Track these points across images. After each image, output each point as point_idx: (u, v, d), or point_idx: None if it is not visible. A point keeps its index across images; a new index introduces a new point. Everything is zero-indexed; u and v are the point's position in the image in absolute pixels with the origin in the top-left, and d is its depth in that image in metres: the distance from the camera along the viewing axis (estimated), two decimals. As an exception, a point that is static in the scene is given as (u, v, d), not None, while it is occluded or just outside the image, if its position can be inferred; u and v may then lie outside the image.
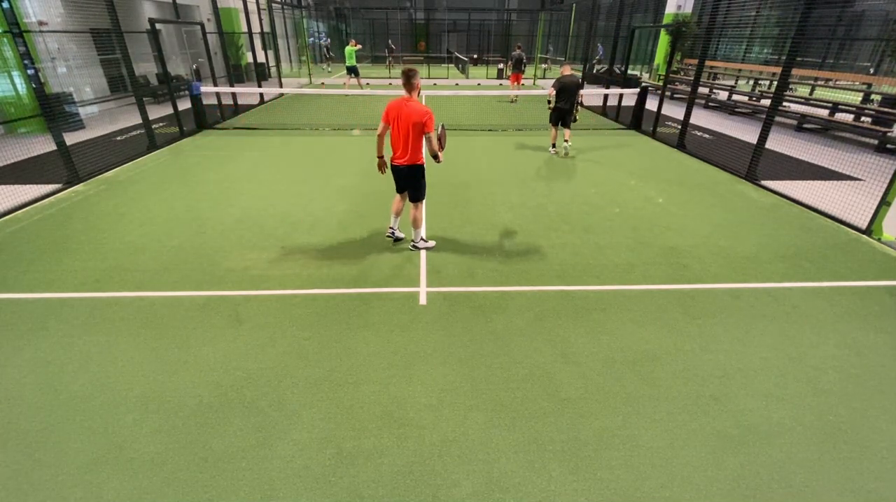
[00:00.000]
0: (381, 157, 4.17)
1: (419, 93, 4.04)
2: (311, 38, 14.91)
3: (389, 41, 25.72)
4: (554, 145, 7.96)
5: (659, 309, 3.57)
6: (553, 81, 7.56)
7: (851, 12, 16.33)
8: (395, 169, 4.14)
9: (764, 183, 6.45)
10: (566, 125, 7.63)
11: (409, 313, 3.48)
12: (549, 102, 7.63)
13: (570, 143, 7.82)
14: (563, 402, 2.66)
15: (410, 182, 4.15)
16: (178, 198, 5.83)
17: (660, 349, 3.11)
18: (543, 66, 23.26)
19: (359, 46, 15.08)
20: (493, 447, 2.37)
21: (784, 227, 5.09)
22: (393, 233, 4.59)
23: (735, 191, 6.25)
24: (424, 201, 4.33)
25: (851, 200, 5.39)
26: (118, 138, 8.88)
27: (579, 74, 7.75)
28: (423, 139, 3.95)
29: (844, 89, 11.52)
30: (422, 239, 4.42)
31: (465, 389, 2.75)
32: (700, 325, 3.37)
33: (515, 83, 13.70)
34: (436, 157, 4.02)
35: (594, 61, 19.97)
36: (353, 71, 14.73)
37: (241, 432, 2.44)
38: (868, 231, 4.87)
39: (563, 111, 7.46)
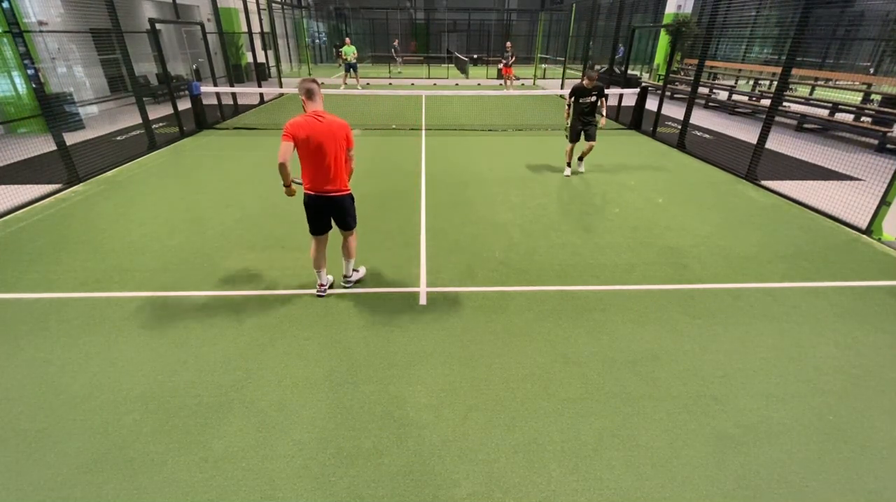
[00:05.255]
0: (291, 184, 3.28)
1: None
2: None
3: (396, 42, 25.10)
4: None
5: (659, 309, 3.57)
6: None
7: (851, 12, 16.32)
8: (317, 200, 3.28)
9: (764, 183, 6.45)
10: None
11: (409, 313, 3.48)
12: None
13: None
14: (563, 402, 2.66)
15: (341, 212, 3.41)
16: (178, 198, 5.83)
17: (660, 349, 3.11)
18: (544, 66, 23.27)
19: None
20: (493, 447, 2.37)
21: (784, 227, 5.09)
22: (324, 290, 3.67)
23: (735, 191, 6.25)
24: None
25: (851, 200, 5.38)
26: (118, 138, 8.87)
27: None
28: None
29: (844, 89, 11.50)
30: (354, 270, 3.83)
31: (465, 389, 2.75)
32: (700, 325, 3.37)
33: (507, 74, 16.48)
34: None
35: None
36: (352, 67, 16.03)
37: (241, 432, 2.44)
38: (868, 231, 4.87)
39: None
